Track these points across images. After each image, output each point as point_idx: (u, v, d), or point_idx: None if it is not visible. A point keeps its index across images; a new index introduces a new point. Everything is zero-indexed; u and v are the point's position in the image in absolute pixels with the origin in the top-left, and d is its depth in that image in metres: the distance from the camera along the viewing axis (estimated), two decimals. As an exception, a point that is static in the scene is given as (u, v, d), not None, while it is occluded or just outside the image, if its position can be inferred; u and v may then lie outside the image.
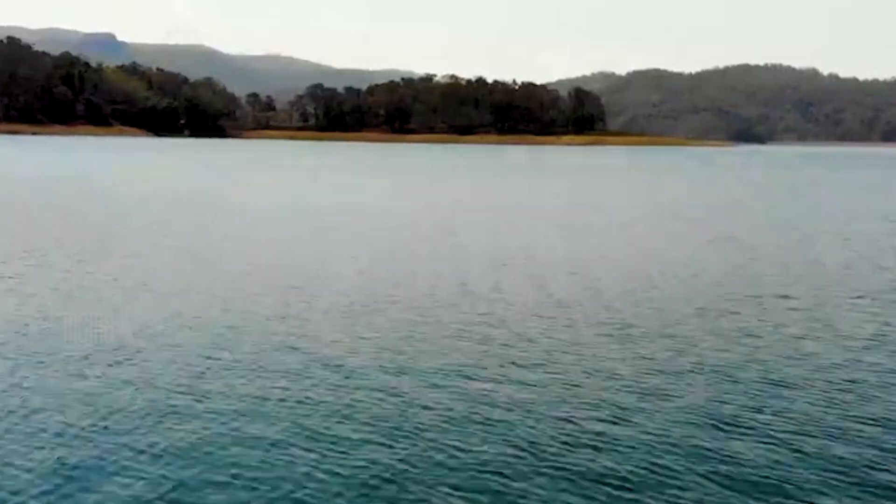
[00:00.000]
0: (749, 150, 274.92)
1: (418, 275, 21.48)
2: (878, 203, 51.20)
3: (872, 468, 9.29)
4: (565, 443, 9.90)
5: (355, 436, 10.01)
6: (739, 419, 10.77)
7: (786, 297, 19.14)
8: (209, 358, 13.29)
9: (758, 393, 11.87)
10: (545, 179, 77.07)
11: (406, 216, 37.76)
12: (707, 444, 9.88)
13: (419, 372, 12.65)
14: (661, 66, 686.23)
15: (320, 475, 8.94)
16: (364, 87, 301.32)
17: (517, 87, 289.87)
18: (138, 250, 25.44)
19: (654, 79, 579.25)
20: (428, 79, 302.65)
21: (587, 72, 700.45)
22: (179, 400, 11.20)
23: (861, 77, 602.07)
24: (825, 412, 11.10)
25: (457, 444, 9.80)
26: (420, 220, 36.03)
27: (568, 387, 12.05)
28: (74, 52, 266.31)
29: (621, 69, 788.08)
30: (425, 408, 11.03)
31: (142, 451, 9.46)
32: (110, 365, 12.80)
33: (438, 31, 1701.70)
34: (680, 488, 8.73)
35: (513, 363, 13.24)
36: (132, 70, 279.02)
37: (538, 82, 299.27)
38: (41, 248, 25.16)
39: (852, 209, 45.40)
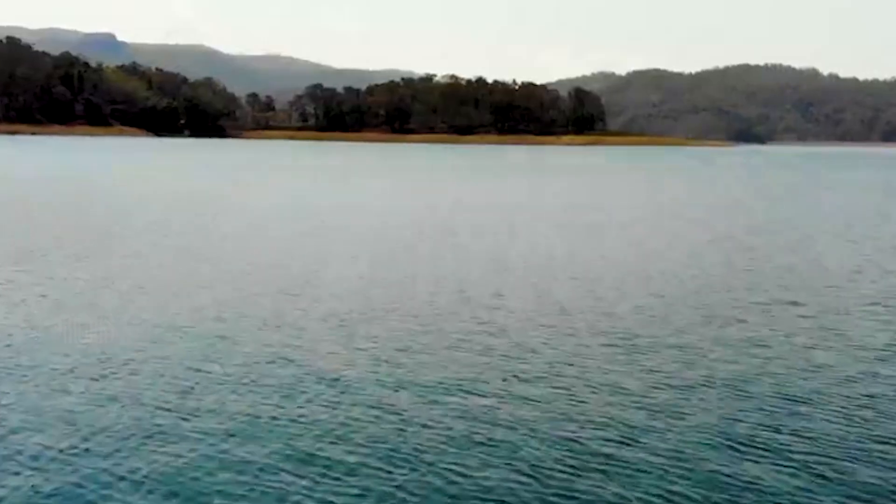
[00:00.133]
0: (749, 150, 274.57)
1: (418, 279, 20.97)
2: (880, 204, 50.73)
3: (898, 494, 8.73)
4: (572, 466, 9.34)
5: (350, 459, 9.45)
6: (756, 439, 10.19)
7: (794, 303, 18.58)
8: (199, 371, 12.75)
9: (773, 409, 11.29)
10: (545, 179, 76.58)
11: (406, 217, 37.28)
12: (724, 469, 9.31)
13: (418, 387, 12.09)
14: (661, 66, 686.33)
15: None
16: (364, 87, 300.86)
17: (517, 87, 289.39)
18: (136, 251, 25.12)
19: (654, 79, 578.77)
20: (428, 79, 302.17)
21: (587, 72, 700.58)
22: (165, 418, 10.63)
23: (861, 77, 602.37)
24: (846, 431, 10.53)
25: (457, 468, 9.24)
26: (420, 220, 35.53)
27: (573, 403, 11.48)
28: (74, 52, 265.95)
29: (621, 69, 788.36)
30: (424, 427, 10.48)
31: (122, 478, 8.89)
32: (95, 379, 12.24)
33: (438, 31, 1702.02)
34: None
35: (515, 377, 12.67)
36: (132, 70, 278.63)
37: (538, 82, 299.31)
38: (39, 249, 24.83)
39: (854, 210, 44.90)
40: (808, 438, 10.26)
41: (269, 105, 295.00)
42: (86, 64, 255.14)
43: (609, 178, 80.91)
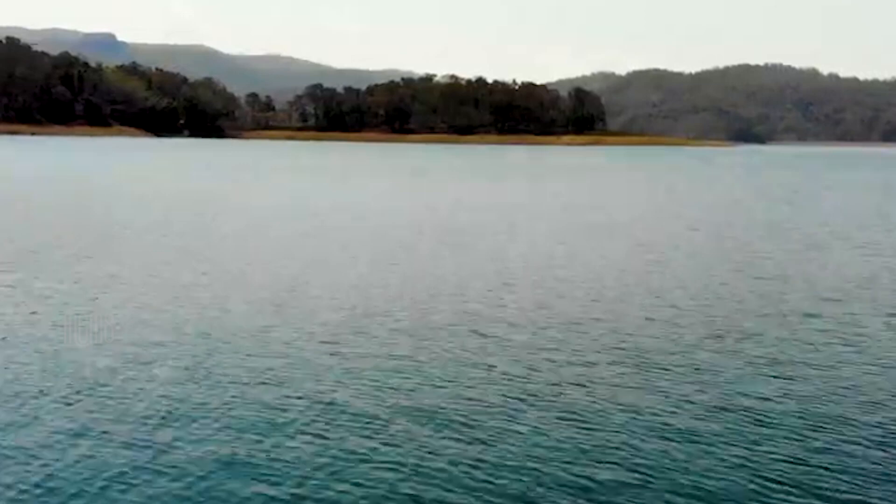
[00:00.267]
0: (749, 149, 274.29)
1: (417, 283, 20.66)
2: (882, 205, 50.61)
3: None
4: (583, 501, 8.65)
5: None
6: (786, 475, 9.32)
7: (810, 315, 17.59)
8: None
9: (800, 438, 10.41)
10: (545, 179, 76.46)
11: (405, 217, 37.11)
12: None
13: (417, 405, 11.26)
14: (661, 66, 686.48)
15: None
16: (364, 87, 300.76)
17: (517, 87, 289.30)
18: (136, 251, 25.02)
19: (654, 79, 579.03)
20: (428, 79, 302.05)
21: (587, 72, 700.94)
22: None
23: (861, 77, 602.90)
24: (885, 465, 9.62)
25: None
26: (419, 220, 35.41)
27: (581, 429, 10.62)
28: (74, 52, 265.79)
29: (621, 69, 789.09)
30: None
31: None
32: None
33: (438, 31, 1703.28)
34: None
35: (518, 399, 11.74)
36: (132, 70, 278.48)
37: (538, 82, 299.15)
38: (39, 249, 24.76)
39: (858, 211, 44.46)
40: (844, 473, 9.46)
41: (268, 105, 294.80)
42: (85, 64, 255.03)
43: (609, 178, 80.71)
